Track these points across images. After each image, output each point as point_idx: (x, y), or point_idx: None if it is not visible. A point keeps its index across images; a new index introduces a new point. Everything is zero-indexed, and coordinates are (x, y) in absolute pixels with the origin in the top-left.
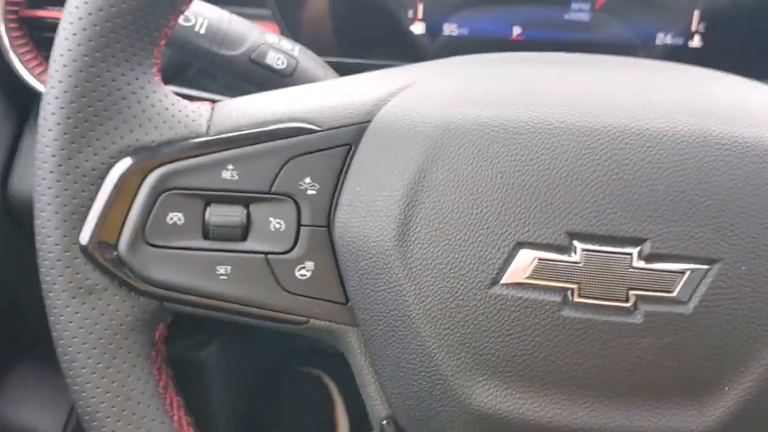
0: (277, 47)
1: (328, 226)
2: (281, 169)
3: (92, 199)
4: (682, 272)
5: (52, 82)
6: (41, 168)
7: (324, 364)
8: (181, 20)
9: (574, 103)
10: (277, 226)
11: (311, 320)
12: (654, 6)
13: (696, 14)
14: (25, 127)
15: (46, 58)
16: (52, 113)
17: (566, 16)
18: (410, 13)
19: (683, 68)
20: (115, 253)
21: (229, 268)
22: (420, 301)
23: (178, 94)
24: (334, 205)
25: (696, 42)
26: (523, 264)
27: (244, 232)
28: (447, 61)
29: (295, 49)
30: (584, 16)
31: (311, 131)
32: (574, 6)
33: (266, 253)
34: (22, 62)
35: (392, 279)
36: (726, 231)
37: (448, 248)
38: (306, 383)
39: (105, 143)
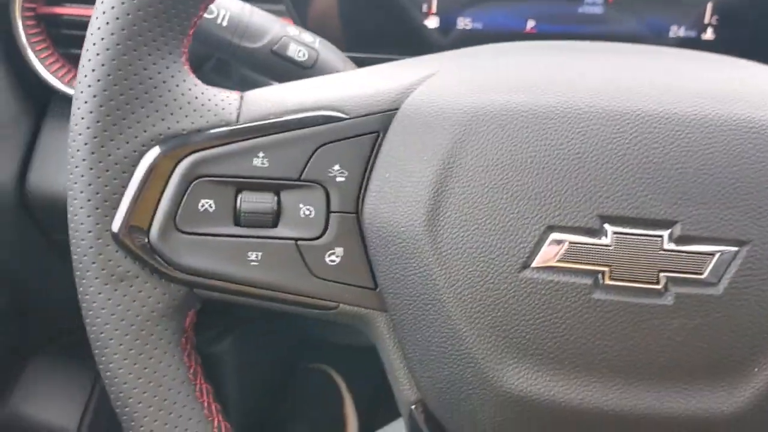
0: (298, 39)
1: (357, 212)
2: (311, 156)
3: (124, 187)
4: (712, 254)
5: (84, 71)
6: (74, 156)
7: (334, 360)
8: None
9: (603, 89)
10: (307, 212)
11: (340, 305)
12: None
13: (709, 7)
14: (43, 125)
15: (63, 55)
16: (85, 101)
17: (580, 10)
18: (424, 8)
19: (709, 56)
20: (147, 240)
21: (259, 254)
22: (450, 286)
23: None
24: (363, 191)
25: (709, 34)
26: (554, 247)
27: (274, 218)
28: (472, 49)
29: (316, 41)
30: (597, 10)
31: (340, 119)
32: None
33: (296, 240)
34: (40, 59)
35: (422, 264)
36: (755, 213)
37: (478, 233)
38: (316, 379)
39: (137, 131)
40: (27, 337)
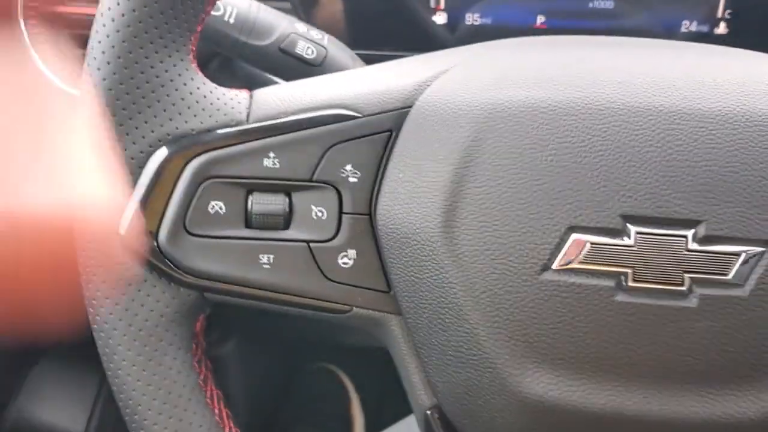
0: (306, 37)
1: (370, 213)
2: (323, 156)
3: (131, 189)
4: (738, 254)
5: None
6: None
7: (340, 361)
8: None
9: (624, 84)
10: (319, 214)
11: (354, 309)
12: None
13: (721, 1)
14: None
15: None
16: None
17: (590, 5)
18: (432, 3)
19: (732, 50)
20: (155, 244)
21: (271, 256)
22: (467, 289)
23: None
24: (376, 192)
25: (722, 29)
26: (576, 249)
27: (286, 220)
28: (487, 45)
29: (324, 38)
30: (608, 4)
31: (351, 118)
32: None
33: (308, 242)
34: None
35: (438, 266)
36: None
37: (497, 234)
38: (322, 379)
39: (144, 132)
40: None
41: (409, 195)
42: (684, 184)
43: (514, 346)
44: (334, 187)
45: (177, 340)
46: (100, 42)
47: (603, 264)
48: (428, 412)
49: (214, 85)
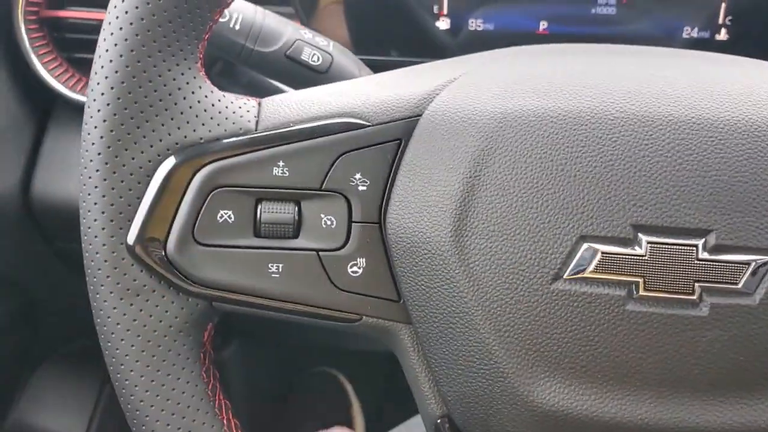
0: (312, 43)
1: (380, 222)
2: (332, 165)
3: (139, 198)
4: (747, 263)
5: (97, 78)
6: (87, 167)
7: (340, 364)
8: None
9: (633, 94)
10: (329, 222)
11: (363, 318)
12: None
13: (723, 7)
14: (46, 130)
15: (67, 59)
16: (98, 110)
17: (593, 11)
18: (435, 9)
19: (738, 59)
20: (163, 253)
21: (280, 266)
22: (478, 298)
23: None
24: (385, 200)
25: (723, 35)
26: (587, 258)
27: (295, 229)
28: (495, 53)
29: (330, 45)
30: (610, 11)
31: (361, 126)
32: (600, 0)
33: (318, 250)
34: (43, 64)
35: (448, 275)
36: None
37: (508, 243)
38: (322, 383)
39: (152, 140)
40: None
41: (419, 204)
42: (694, 194)
43: (525, 355)
44: (343, 195)
45: (185, 351)
46: (108, 50)
47: (614, 273)
48: (438, 421)
49: (223, 93)
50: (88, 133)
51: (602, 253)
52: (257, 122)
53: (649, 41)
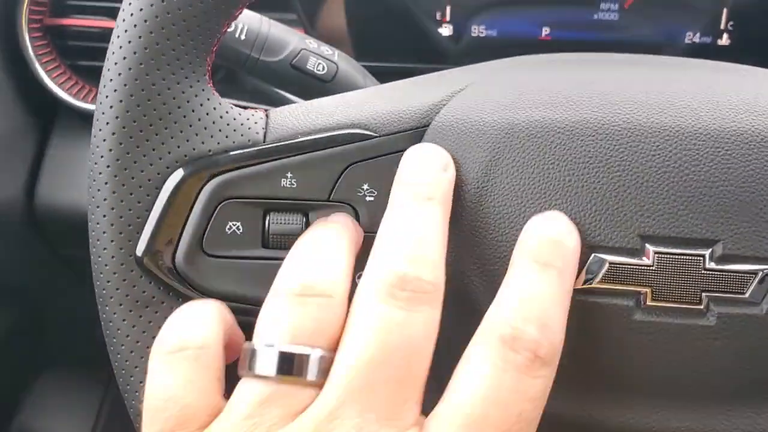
0: (317, 53)
1: None
2: (340, 176)
3: (148, 210)
4: (754, 273)
5: (106, 91)
6: (96, 179)
7: None
8: None
9: (640, 104)
10: None
11: None
12: (682, 5)
13: (725, 12)
14: (50, 138)
15: (70, 67)
16: (107, 122)
17: (595, 16)
18: (437, 15)
19: (743, 68)
20: (172, 265)
21: None
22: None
23: None
24: None
25: (725, 40)
26: (595, 269)
27: None
28: (500, 63)
29: (335, 54)
30: (613, 16)
31: (368, 137)
32: (603, 6)
33: None
34: (47, 72)
35: (457, 286)
36: None
37: None
38: None
39: (161, 153)
40: (35, 350)
41: None
42: (700, 204)
43: None
44: (351, 206)
45: None
46: (116, 63)
47: (622, 283)
48: None
49: (230, 104)
50: (97, 146)
51: (610, 263)
52: (265, 134)
53: (652, 46)
